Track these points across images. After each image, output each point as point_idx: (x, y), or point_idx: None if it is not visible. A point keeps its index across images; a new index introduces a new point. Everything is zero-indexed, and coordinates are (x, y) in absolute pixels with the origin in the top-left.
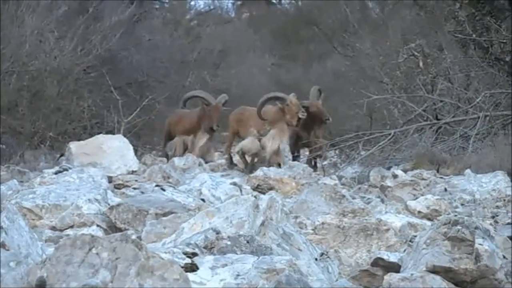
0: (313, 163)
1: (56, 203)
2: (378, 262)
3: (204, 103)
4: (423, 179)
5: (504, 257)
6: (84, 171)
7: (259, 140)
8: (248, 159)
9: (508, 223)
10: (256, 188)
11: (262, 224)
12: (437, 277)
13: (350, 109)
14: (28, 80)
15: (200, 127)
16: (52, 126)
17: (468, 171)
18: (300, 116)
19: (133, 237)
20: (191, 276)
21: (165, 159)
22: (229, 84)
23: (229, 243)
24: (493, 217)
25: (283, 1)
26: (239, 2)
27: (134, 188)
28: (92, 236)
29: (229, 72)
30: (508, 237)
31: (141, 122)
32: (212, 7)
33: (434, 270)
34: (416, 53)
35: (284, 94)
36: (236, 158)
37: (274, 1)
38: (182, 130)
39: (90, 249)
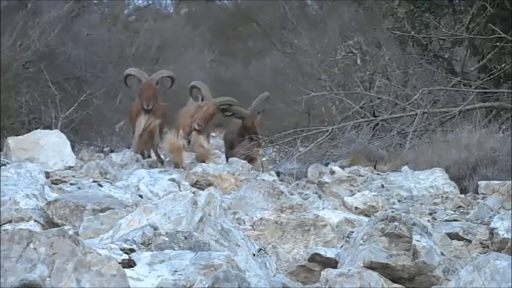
0: None
1: None
2: (315, 258)
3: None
4: (360, 175)
5: (442, 253)
6: (22, 166)
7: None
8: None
9: (446, 220)
10: (195, 184)
11: (201, 220)
12: (374, 273)
13: (288, 106)
14: None
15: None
16: None
17: (405, 167)
18: (196, 127)
19: (70, 232)
20: (128, 272)
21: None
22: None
23: (166, 239)
24: (430, 213)
25: None
26: None
27: (71, 184)
28: (30, 231)
29: (168, 67)
30: (446, 233)
31: (79, 117)
32: (150, 2)
33: (371, 266)
34: (354, 50)
35: (230, 99)
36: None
37: None
38: (130, 117)
39: (27, 244)
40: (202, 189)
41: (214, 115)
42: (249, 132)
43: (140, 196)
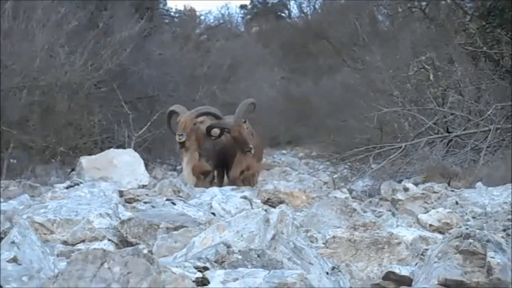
0: None
1: (67, 217)
2: (389, 276)
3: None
4: (434, 192)
5: None
6: (95, 185)
7: None
8: None
9: None
10: (266, 201)
11: (273, 238)
12: None
13: (360, 123)
14: (39, 95)
15: None
16: (63, 140)
17: (479, 184)
18: (177, 139)
19: (145, 251)
20: None
21: (175, 173)
22: (239, 98)
23: (240, 257)
24: (504, 230)
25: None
26: (248, 16)
27: (145, 202)
28: (104, 250)
29: (239, 86)
30: None
31: (152, 136)
32: (221, 21)
33: (445, 284)
34: (426, 66)
35: (213, 110)
36: None
37: (284, 15)
38: None
39: (102, 264)
40: (274, 207)
41: (194, 126)
42: (239, 144)
43: (213, 214)
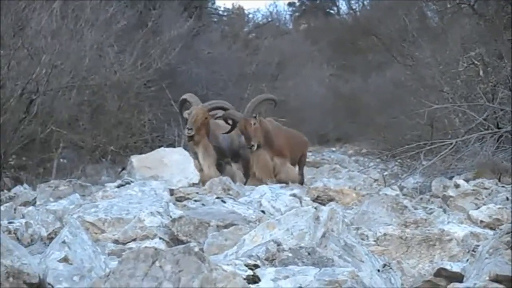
0: None
1: (118, 216)
2: (441, 273)
3: None
4: (485, 188)
5: None
6: (146, 184)
7: None
8: None
9: None
10: (316, 199)
11: (323, 235)
12: (500, 287)
13: (410, 119)
14: (89, 95)
15: None
16: (113, 140)
17: None
18: (186, 133)
19: (196, 249)
20: None
21: None
22: (287, 95)
23: (290, 254)
24: None
25: (341, 12)
26: (297, 14)
27: (195, 201)
28: (155, 249)
29: (287, 83)
30: None
31: None
32: (270, 19)
33: (497, 280)
34: (476, 62)
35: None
36: None
37: (332, 11)
38: None
39: (153, 262)
40: (324, 204)
41: (206, 120)
42: (245, 138)
43: (263, 211)
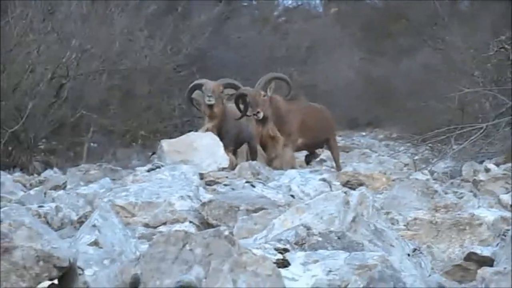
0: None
1: (149, 200)
2: (471, 257)
3: None
4: None
5: None
6: (176, 168)
7: None
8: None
9: None
10: (346, 184)
11: (353, 220)
12: None
13: (441, 103)
14: (119, 79)
15: None
16: (143, 124)
17: None
18: (207, 102)
19: (226, 233)
20: (283, 271)
21: None
22: (317, 80)
23: (320, 239)
24: None
25: None
26: None
27: (225, 185)
28: (186, 232)
29: (317, 68)
30: None
31: None
32: (300, 3)
33: None
34: (506, 46)
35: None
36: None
37: None
38: None
39: (183, 246)
40: (353, 189)
41: (222, 93)
42: (252, 106)
43: (292, 196)
